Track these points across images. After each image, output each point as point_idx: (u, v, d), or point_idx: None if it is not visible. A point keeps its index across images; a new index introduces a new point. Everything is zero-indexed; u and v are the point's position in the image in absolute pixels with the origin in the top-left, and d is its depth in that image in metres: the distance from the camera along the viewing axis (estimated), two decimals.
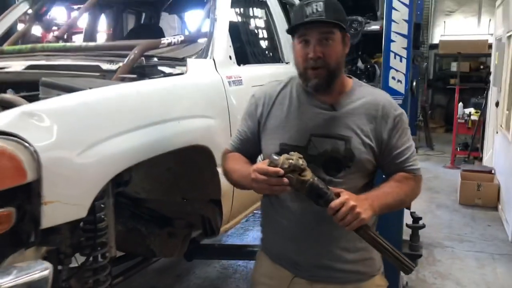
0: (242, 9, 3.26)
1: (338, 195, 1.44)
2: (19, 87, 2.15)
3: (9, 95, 1.72)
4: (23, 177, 1.29)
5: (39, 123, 1.39)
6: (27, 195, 1.35)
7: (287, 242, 1.69)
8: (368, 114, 1.61)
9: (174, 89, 2.04)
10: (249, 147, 1.74)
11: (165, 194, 2.38)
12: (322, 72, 1.55)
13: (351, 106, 1.62)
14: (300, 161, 1.42)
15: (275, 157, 1.43)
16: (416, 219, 3.11)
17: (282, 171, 1.40)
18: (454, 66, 10.33)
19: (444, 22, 11.62)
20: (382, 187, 1.61)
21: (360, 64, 8.36)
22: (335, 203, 1.41)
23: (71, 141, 1.45)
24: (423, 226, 3.08)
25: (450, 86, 10.59)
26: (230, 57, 2.51)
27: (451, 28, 11.45)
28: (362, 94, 1.64)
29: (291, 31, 1.61)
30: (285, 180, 1.41)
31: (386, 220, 2.98)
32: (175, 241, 2.53)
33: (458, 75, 8.07)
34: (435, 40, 11.55)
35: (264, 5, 3.32)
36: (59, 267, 1.75)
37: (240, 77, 2.47)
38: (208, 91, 2.21)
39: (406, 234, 3.45)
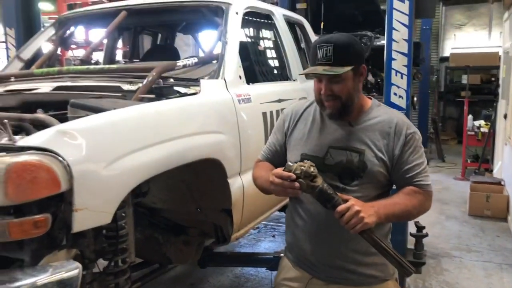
0: (251, 31, 3.46)
1: (346, 201, 1.62)
2: (47, 106, 2.36)
3: (42, 115, 1.91)
4: (58, 187, 1.48)
5: (71, 140, 1.58)
6: (60, 203, 1.54)
7: (304, 243, 1.86)
8: (382, 130, 1.77)
9: (189, 108, 2.21)
10: (277, 157, 1.95)
11: (180, 204, 2.55)
12: (336, 103, 1.73)
13: (367, 123, 1.79)
14: (311, 169, 1.62)
15: (290, 163, 1.63)
16: (419, 228, 3.23)
17: (294, 176, 1.61)
18: (465, 79, 10.37)
19: (455, 35, 11.70)
20: (391, 197, 1.76)
21: (370, 77, 8.50)
22: (341, 207, 1.59)
23: (98, 156, 1.64)
24: (426, 235, 3.19)
25: (460, 99, 10.64)
26: (240, 77, 2.69)
27: (462, 41, 11.52)
28: (378, 113, 1.81)
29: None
30: (297, 184, 1.61)
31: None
32: (190, 249, 2.69)
33: (467, 88, 8.14)
34: (446, 53, 11.64)
35: (272, 26, 3.50)
36: (83, 272, 1.92)
37: (249, 95, 2.64)
38: (219, 109, 2.38)
39: (412, 243, 3.57)
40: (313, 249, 1.84)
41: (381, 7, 7.67)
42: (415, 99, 6.31)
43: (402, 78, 3.01)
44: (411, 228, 3.37)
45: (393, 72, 3.02)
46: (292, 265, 1.95)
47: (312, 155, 1.80)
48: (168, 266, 3.06)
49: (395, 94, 3.04)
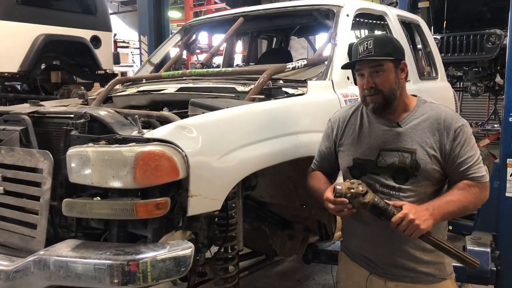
0: (363, 32, 3.46)
1: (399, 207, 1.64)
2: (172, 105, 2.64)
3: (166, 112, 2.17)
4: (177, 174, 1.68)
5: (189, 134, 1.78)
6: (178, 189, 1.74)
7: (363, 243, 1.91)
8: (431, 127, 1.77)
9: (294, 108, 2.32)
10: (328, 163, 2.02)
11: (285, 200, 2.66)
12: (378, 98, 1.78)
13: (414, 122, 1.80)
14: (360, 188, 1.66)
15: (338, 187, 1.68)
16: None
17: (346, 201, 1.67)
18: None
19: None
20: (445, 195, 1.75)
21: (498, 79, 7.84)
22: (396, 218, 1.63)
23: (211, 149, 1.82)
24: None
25: None
26: (348, 78, 2.73)
27: None
28: (425, 111, 1.81)
29: (350, 67, 1.87)
30: (349, 206, 1.68)
31: None
32: (294, 243, 2.81)
33: None
34: None
35: (385, 27, 3.45)
36: (197, 257, 2.10)
37: (357, 96, 2.64)
38: (325, 109, 2.42)
39: None
40: (373, 248, 1.87)
41: None
42: None
43: None
44: None
45: None
46: (350, 260, 1.99)
47: (364, 159, 1.85)
48: (275, 259, 3.19)
49: None
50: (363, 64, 1.79)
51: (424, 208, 1.66)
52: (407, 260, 1.82)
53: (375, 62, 1.76)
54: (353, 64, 1.85)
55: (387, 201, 1.69)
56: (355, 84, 2.75)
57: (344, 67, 1.96)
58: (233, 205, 2.12)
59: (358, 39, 1.87)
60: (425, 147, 1.77)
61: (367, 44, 1.76)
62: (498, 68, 7.57)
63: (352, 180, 1.71)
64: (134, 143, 1.71)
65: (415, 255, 1.81)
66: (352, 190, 1.66)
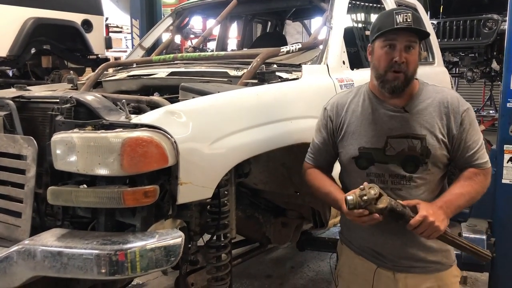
0: (359, 15, 3.39)
1: (414, 207, 1.58)
2: (163, 90, 2.57)
3: (156, 97, 2.10)
4: (166, 162, 1.62)
5: (178, 119, 1.72)
6: (167, 177, 1.68)
7: (370, 235, 1.82)
8: (438, 111, 1.71)
9: (288, 92, 2.25)
10: (325, 156, 1.92)
11: (279, 187, 2.61)
12: (401, 76, 1.67)
13: (421, 106, 1.73)
14: (372, 192, 1.55)
15: (349, 197, 1.57)
16: None
17: (366, 212, 1.57)
18: None
19: None
20: (455, 188, 1.70)
21: (495, 65, 7.80)
22: (415, 221, 1.56)
23: (202, 135, 1.76)
24: None
25: None
26: (344, 62, 2.66)
27: None
28: (429, 94, 1.75)
29: (378, 35, 1.70)
30: (371, 216, 1.58)
31: None
32: (288, 230, 2.77)
33: None
34: None
35: (381, 11, 3.38)
36: (189, 245, 2.06)
37: (352, 81, 2.60)
38: (320, 94, 2.36)
39: None
40: (381, 240, 1.81)
41: None
42: None
43: None
44: None
45: None
46: (354, 253, 1.92)
47: (371, 148, 1.76)
48: (268, 246, 3.16)
49: None
50: (400, 35, 1.65)
51: (438, 206, 1.61)
52: (418, 250, 1.77)
53: (413, 37, 1.66)
54: (381, 34, 1.68)
55: (399, 201, 1.61)
56: (351, 69, 2.71)
57: (382, 33, 1.68)
58: (226, 192, 2.06)
59: (389, 9, 1.76)
60: (434, 132, 1.70)
61: (406, 16, 1.64)
62: (495, 53, 7.54)
63: (361, 186, 1.59)
64: (121, 129, 1.64)
65: (425, 244, 1.77)
66: (365, 197, 1.55)
